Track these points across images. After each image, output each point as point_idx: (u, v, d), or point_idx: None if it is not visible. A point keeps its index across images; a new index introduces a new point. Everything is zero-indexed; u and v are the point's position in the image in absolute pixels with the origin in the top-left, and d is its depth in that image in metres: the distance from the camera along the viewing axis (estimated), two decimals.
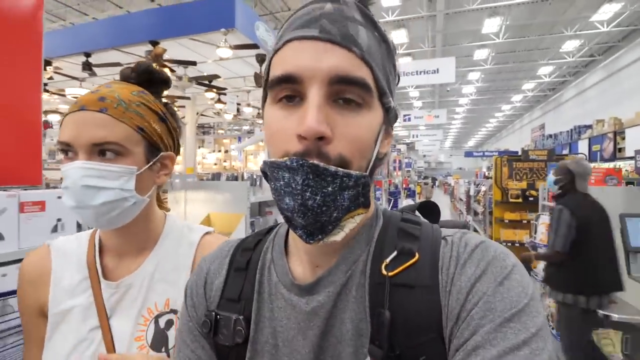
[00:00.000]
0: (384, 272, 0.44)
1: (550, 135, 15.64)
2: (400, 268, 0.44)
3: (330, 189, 0.40)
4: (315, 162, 0.40)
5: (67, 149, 0.66)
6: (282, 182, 0.41)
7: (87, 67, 5.76)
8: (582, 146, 11.75)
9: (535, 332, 0.37)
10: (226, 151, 13.57)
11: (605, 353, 2.45)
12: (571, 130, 13.09)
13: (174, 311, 0.70)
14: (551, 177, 2.98)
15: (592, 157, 10.84)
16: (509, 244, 5.75)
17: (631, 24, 11.74)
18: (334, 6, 0.43)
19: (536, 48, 14.21)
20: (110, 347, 0.68)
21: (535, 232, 3.28)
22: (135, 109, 0.69)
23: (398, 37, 12.30)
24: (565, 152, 13.01)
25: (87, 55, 5.76)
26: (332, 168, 0.40)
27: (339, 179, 0.40)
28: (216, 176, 5.68)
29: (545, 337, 0.38)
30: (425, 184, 14.64)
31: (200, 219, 5.05)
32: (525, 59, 15.29)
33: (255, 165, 12.39)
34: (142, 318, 0.70)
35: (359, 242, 0.48)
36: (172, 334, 0.69)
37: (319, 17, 0.42)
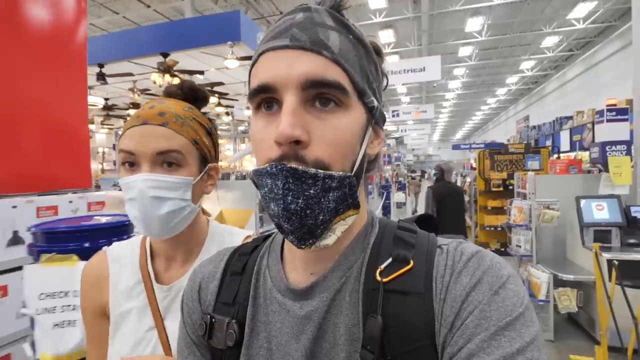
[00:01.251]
0: (379, 278, 0.44)
1: (534, 127, 16.29)
2: (395, 274, 0.44)
3: (312, 191, 0.40)
4: (294, 165, 0.40)
5: (130, 159, 0.70)
6: (266, 189, 0.42)
7: (101, 77, 6.16)
8: (564, 136, 12.35)
9: (530, 341, 0.37)
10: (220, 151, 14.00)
11: (563, 306, 3.04)
12: (553, 121, 13.72)
13: None
14: (432, 171, 5.08)
15: (572, 146, 11.48)
16: (492, 228, 6.38)
17: (605, 20, 12.42)
18: (304, 14, 0.44)
19: (518, 44, 14.85)
20: (166, 346, 0.72)
21: (510, 215, 3.87)
22: (189, 123, 0.73)
23: (385, 37, 12.80)
24: (548, 142, 13.66)
25: (101, 66, 6.16)
26: (312, 170, 0.40)
27: (321, 181, 0.40)
28: (225, 176, 6.16)
29: (540, 347, 0.37)
30: (413, 178, 14.06)
31: (214, 215, 5.53)
32: (508, 54, 15.94)
33: (251, 164, 12.83)
34: None
35: (354, 249, 0.48)
36: None
37: (289, 27, 0.43)
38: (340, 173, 0.42)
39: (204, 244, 0.81)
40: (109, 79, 6.52)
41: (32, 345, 1.08)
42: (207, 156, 0.77)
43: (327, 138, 0.41)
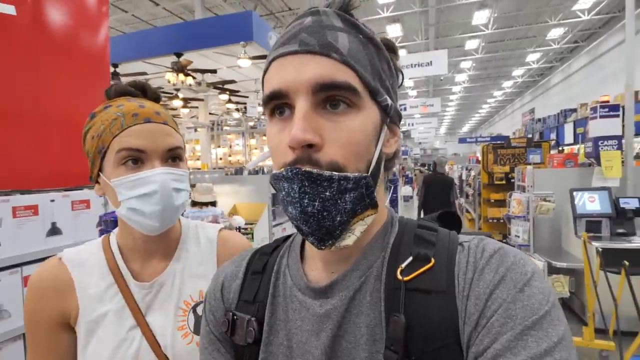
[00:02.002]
0: (399, 277, 0.44)
1: (540, 119, 16.28)
2: (416, 273, 0.43)
3: (328, 193, 0.41)
4: (308, 168, 0.40)
5: (136, 156, 0.70)
6: (284, 192, 0.43)
7: (115, 76, 6.44)
8: (568, 129, 12.33)
9: (557, 341, 0.36)
10: (230, 146, 14.30)
11: (556, 292, 3.27)
12: (558, 114, 13.71)
13: None
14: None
15: (576, 139, 11.54)
16: (495, 220, 6.58)
17: (610, 11, 12.40)
18: (313, 18, 0.44)
19: (524, 36, 14.86)
20: (153, 341, 0.72)
21: (509, 207, 4.09)
22: (174, 122, 0.79)
23: (393, 31, 12.90)
24: (552, 135, 13.67)
25: (115, 65, 6.43)
26: (327, 173, 0.40)
27: (336, 182, 0.41)
28: (239, 171, 6.41)
29: (568, 347, 0.36)
30: (421, 171, 12.92)
31: (228, 209, 5.77)
32: (514, 47, 15.94)
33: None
34: (180, 310, 0.75)
35: (374, 249, 0.48)
36: None
37: (298, 32, 0.43)
38: (356, 174, 0.42)
39: (181, 237, 0.83)
40: (123, 79, 6.79)
41: None
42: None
43: (340, 140, 0.41)
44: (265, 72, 0.47)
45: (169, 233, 0.79)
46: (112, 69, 6.59)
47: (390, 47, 0.50)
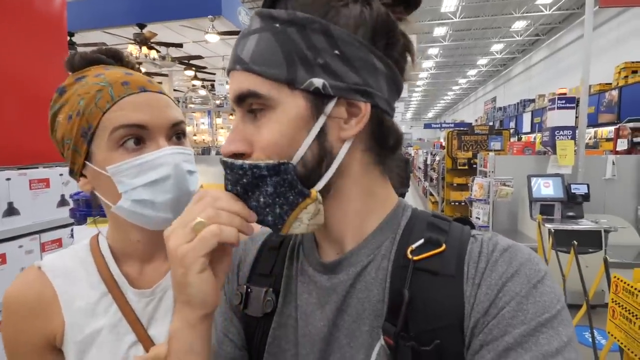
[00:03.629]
0: (409, 255, 0.44)
1: (500, 108, 17.05)
2: (426, 254, 0.44)
3: (244, 180, 0.42)
4: (224, 158, 0.44)
5: (139, 134, 0.58)
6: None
7: (71, 46, 5.96)
8: (526, 118, 13.06)
9: (567, 341, 0.36)
10: (196, 125, 13.82)
11: None
12: (517, 103, 14.43)
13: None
14: None
15: (533, 128, 12.22)
16: (457, 203, 6.91)
17: (570, 7, 13.04)
18: (242, 33, 0.45)
19: (489, 27, 15.33)
20: None
21: (471, 191, 4.31)
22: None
23: None
24: (512, 124, 14.40)
25: (71, 34, 5.94)
26: (238, 162, 0.42)
27: (249, 170, 0.42)
28: (206, 151, 6.24)
29: (576, 348, 0.37)
30: None
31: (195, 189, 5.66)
32: (479, 36, 16.42)
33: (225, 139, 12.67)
34: None
35: (384, 229, 0.48)
36: None
37: (235, 49, 0.45)
38: (269, 161, 0.41)
39: None
40: (79, 49, 6.30)
41: None
42: None
43: (261, 143, 0.42)
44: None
45: None
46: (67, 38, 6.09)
47: (324, 21, 0.42)
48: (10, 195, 1.86)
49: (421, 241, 0.45)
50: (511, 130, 7.37)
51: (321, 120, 0.42)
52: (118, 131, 0.57)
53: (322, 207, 0.44)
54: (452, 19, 13.69)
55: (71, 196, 1.32)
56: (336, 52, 0.42)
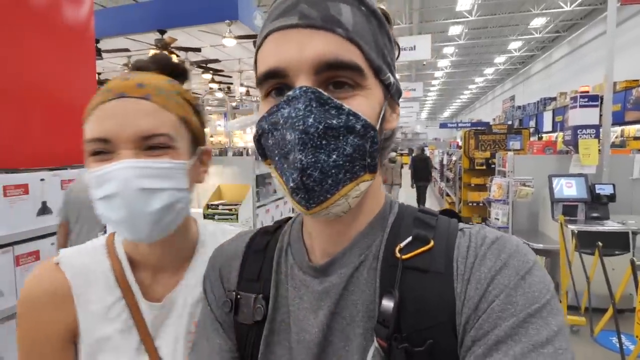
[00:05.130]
0: (398, 255, 0.43)
1: (520, 107, 16.66)
2: (414, 252, 0.43)
3: (335, 121, 0.37)
4: (320, 89, 0.38)
5: (102, 148, 0.54)
6: (282, 121, 0.38)
7: (97, 52, 6.16)
8: (547, 117, 12.71)
9: (557, 330, 0.36)
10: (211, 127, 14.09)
11: None
12: (538, 102, 14.06)
13: None
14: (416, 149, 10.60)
15: (554, 127, 11.91)
16: (474, 204, 6.82)
17: (592, 3, 12.68)
18: None
19: (506, 24, 15.02)
20: None
21: (490, 191, 4.26)
22: (175, 98, 0.59)
23: None
24: (532, 122, 14.07)
25: (97, 41, 6.14)
26: (337, 101, 0.38)
27: (345, 115, 0.38)
28: (224, 152, 6.35)
29: (566, 337, 0.37)
30: (392, 161, 8.84)
31: (212, 190, 5.74)
32: (496, 34, 16.11)
33: (241, 140, 12.91)
34: (190, 335, 0.62)
35: (373, 229, 0.47)
36: None
37: (297, 3, 0.39)
38: (367, 120, 0.39)
39: (197, 246, 0.68)
40: (104, 55, 6.51)
41: None
42: (198, 138, 0.63)
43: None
44: (259, 47, 0.43)
45: (180, 239, 0.66)
46: None
47: (386, 17, 0.46)
48: (43, 194, 1.96)
49: (409, 239, 0.45)
50: (531, 130, 7.22)
51: (383, 112, 0.44)
52: (87, 144, 0.55)
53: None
54: (467, 17, 13.50)
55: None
56: (392, 55, 0.46)
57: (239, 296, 0.51)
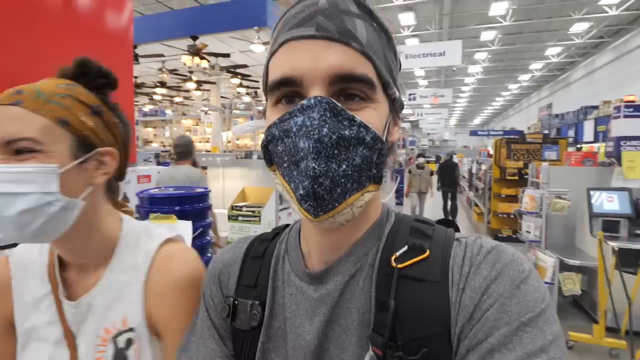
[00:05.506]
0: (393, 264, 0.43)
1: (557, 115, 15.98)
2: (410, 261, 0.43)
3: (347, 132, 0.38)
4: (326, 98, 0.38)
5: None
6: (295, 129, 0.39)
7: (134, 57, 6.44)
8: (588, 126, 12.11)
9: (552, 339, 0.36)
10: None
11: (567, 289, 3.27)
12: (578, 110, 13.43)
13: (132, 329, 0.63)
14: (444, 155, 10.69)
15: (596, 137, 11.32)
16: (505, 215, 6.56)
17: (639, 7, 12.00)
18: (328, 0, 0.41)
19: (544, 30, 14.45)
20: None
21: (521, 203, 4.06)
22: (58, 101, 0.59)
23: (406, 19, 12.65)
24: (570, 132, 13.46)
25: (134, 47, 6.43)
26: (350, 112, 0.39)
27: (356, 126, 0.39)
28: (249, 155, 6.44)
29: (562, 347, 0.37)
30: (420, 167, 8.20)
31: (236, 192, 5.85)
32: (532, 40, 15.52)
33: None
34: (99, 339, 0.62)
35: (370, 237, 0.48)
36: (131, 353, 0.62)
37: (313, 14, 0.40)
38: (376, 132, 0.41)
39: (117, 247, 0.66)
40: (141, 59, 6.79)
41: None
42: (91, 139, 0.61)
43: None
44: (272, 54, 0.44)
45: (85, 242, 0.64)
46: None
47: (394, 34, 0.48)
48: None
49: (405, 248, 0.45)
50: (570, 139, 6.88)
51: (387, 125, 0.45)
52: None
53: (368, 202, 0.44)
54: (501, 22, 13.09)
55: (137, 194, 1.44)
56: (397, 71, 0.47)
57: (236, 302, 0.52)
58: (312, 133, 0.38)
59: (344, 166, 0.39)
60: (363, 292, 0.45)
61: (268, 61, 0.45)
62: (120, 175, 0.70)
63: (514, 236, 6.22)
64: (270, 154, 0.44)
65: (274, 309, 0.50)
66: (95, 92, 0.65)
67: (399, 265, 0.43)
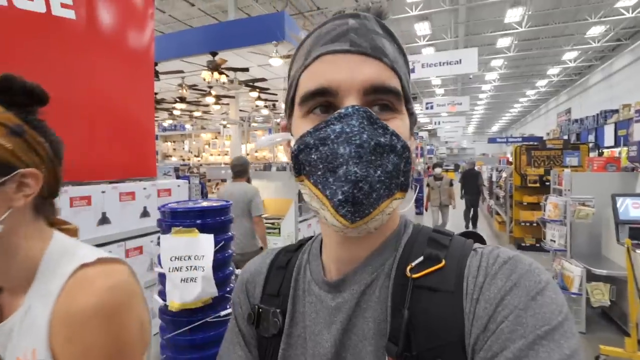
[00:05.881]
0: (408, 274, 0.44)
1: (577, 120, 15.61)
2: (425, 271, 0.44)
3: (382, 139, 0.41)
4: (363, 107, 0.41)
5: None
6: (333, 136, 0.41)
7: (155, 74, 6.68)
8: (608, 131, 11.80)
9: (570, 354, 0.35)
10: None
11: (595, 299, 3.16)
12: (597, 114, 13.10)
13: None
14: (464, 164, 11.39)
15: (617, 141, 10.99)
16: (527, 224, 6.40)
17: None
18: (357, 21, 0.45)
19: (560, 34, 14.25)
20: None
21: (545, 210, 3.98)
22: None
23: (421, 29, 12.69)
24: (591, 136, 13.12)
25: (155, 64, 6.67)
26: (383, 121, 0.42)
27: (389, 134, 0.42)
28: (267, 167, 6.52)
29: None
30: (438, 178, 7.68)
31: None
32: (549, 45, 15.31)
33: (285, 156, 13.14)
34: None
35: (387, 248, 0.49)
36: None
37: (346, 32, 0.44)
38: (404, 140, 0.43)
39: (38, 270, 0.62)
40: (161, 76, 7.03)
41: (160, 295, 1.44)
42: (9, 161, 0.59)
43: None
44: (305, 67, 0.46)
45: (7, 262, 0.61)
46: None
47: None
48: (104, 206, 2.13)
49: (420, 258, 0.46)
50: (590, 145, 6.70)
51: (410, 134, 0.48)
52: None
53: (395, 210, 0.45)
54: (517, 28, 12.98)
55: (159, 208, 1.48)
56: (412, 92, 0.53)
57: (260, 310, 0.54)
58: (353, 139, 0.40)
59: (379, 171, 0.41)
60: (379, 301, 0.46)
61: (300, 74, 0.47)
62: (51, 194, 0.67)
63: (537, 245, 6.06)
64: (300, 164, 0.45)
65: (295, 317, 0.52)
66: (18, 110, 0.61)
67: (414, 276, 0.44)
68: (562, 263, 3.69)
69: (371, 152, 0.40)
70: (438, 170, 8.02)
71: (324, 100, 0.44)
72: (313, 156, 0.43)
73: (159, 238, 1.36)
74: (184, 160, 12.89)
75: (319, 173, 0.42)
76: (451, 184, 7.72)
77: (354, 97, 0.42)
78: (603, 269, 3.33)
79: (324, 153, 0.42)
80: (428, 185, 7.95)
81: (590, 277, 3.42)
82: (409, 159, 0.44)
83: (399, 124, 0.45)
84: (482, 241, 0.52)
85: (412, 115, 0.49)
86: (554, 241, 3.87)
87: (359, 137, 0.40)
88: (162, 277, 1.39)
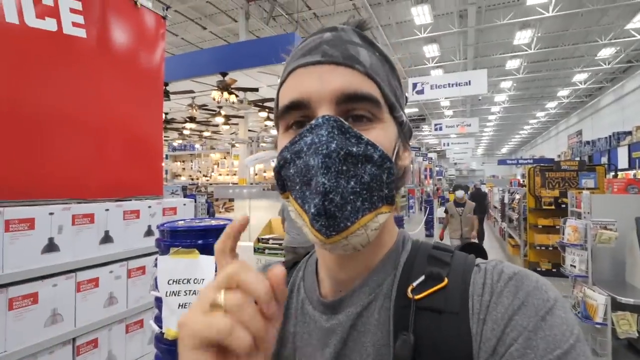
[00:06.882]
0: (410, 295, 0.42)
1: (588, 142, 15.44)
2: (428, 292, 0.42)
3: (355, 149, 0.39)
4: (334, 117, 0.40)
5: None
6: (305, 148, 0.40)
7: (165, 94, 6.78)
8: (622, 153, 11.64)
9: None
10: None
11: (622, 331, 2.95)
12: (610, 136, 12.96)
13: None
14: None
15: (631, 163, 10.79)
16: (543, 248, 6.17)
17: None
18: (332, 34, 0.44)
19: (570, 56, 14.28)
20: None
21: (563, 234, 3.80)
22: None
23: (430, 51, 12.87)
24: (603, 159, 12.93)
25: (166, 84, 6.78)
26: (357, 131, 0.40)
27: (364, 144, 0.40)
28: (274, 187, 6.46)
29: None
30: (459, 203, 6.25)
31: (262, 224, 5.85)
32: (559, 67, 15.34)
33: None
34: None
35: (385, 266, 0.47)
36: None
37: (319, 44, 0.43)
38: (384, 151, 0.41)
39: None
40: (172, 96, 7.14)
41: (156, 321, 1.34)
42: None
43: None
44: (282, 83, 0.46)
45: None
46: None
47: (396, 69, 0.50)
48: (107, 224, 2.07)
49: (422, 278, 0.43)
50: (604, 166, 6.55)
51: (396, 149, 0.45)
52: None
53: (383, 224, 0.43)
54: (526, 50, 13.03)
55: (157, 227, 1.40)
56: (402, 99, 0.48)
57: None
58: (320, 149, 0.38)
59: (352, 182, 0.39)
60: (379, 325, 0.44)
61: (278, 91, 0.47)
62: None
63: (553, 270, 5.82)
64: (283, 180, 0.44)
65: (284, 337, 0.50)
66: None
67: (417, 297, 0.42)
68: (584, 290, 3.48)
69: (342, 161, 0.38)
70: (460, 193, 6.23)
71: (299, 115, 0.43)
72: (291, 170, 0.42)
73: (156, 259, 1.29)
74: (192, 179, 12.96)
75: (297, 188, 0.41)
76: (473, 212, 6.20)
77: (326, 108, 0.41)
78: (629, 297, 3.12)
79: (299, 166, 0.41)
80: (446, 211, 6.40)
81: (616, 305, 3.21)
82: (392, 169, 0.41)
83: (378, 134, 0.42)
84: (483, 254, 0.50)
85: (402, 124, 0.47)
86: (574, 266, 3.67)
87: (326, 147, 0.38)
88: (158, 302, 1.30)
